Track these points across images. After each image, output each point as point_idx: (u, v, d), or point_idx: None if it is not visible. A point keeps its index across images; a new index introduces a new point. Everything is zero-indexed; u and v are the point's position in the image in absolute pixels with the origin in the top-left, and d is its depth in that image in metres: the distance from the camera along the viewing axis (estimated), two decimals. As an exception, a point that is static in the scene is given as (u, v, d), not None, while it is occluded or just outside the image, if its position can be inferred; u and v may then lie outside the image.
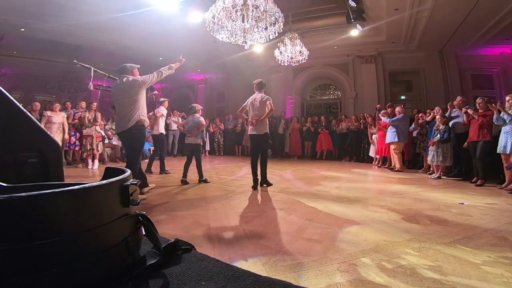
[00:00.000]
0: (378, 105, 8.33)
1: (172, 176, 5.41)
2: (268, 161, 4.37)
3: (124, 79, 3.36)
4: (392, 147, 6.43)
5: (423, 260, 1.72)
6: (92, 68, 3.58)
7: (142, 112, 3.38)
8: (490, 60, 9.35)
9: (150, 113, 4.89)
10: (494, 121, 4.38)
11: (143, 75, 3.44)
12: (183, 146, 9.89)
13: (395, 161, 6.37)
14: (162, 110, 5.77)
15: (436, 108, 5.88)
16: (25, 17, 7.04)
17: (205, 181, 4.61)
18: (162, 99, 6.14)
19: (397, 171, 6.20)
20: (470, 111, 4.84)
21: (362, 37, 8.69)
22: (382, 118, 6.66)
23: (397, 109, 6.55)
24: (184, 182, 4.49)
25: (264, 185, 4.24)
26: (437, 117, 5.56)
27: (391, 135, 6.39)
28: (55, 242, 1.01)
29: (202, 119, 4.82)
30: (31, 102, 6.66)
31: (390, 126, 6.41)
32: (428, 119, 6.07)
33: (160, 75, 3.43)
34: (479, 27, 7.52)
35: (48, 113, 6.21)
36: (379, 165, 7.03)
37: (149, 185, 3.93)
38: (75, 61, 3.75)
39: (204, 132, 4.95)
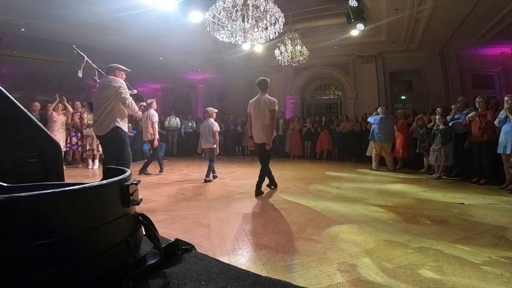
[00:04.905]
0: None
1: (172, 176, 5.41)
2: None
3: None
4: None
5: (423, 260, 1.72)
6: (86, 58, 3.42)
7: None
8: (491, 60, 9.33)
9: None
10: (496, 123, 4.38)
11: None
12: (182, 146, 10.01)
13: (386, 160, 6.63)
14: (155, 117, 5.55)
15: (438, 109, 5.87)
16: (25, 17, 7.04)
17: (208, 181, 4.80)
18: (149, 100, 5.69)
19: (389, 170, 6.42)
20: (471, 114, 4.84)
21: (363, 37, 8.67)
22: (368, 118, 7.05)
23: (378, 110, 6.84)
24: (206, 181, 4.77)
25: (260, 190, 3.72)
26: (437, 117, 5.56)
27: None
28: (55, 242, 1.01)
29: (215, 125, 4.91)
30: (31, 102, 6.68)
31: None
32: (429, 126, 6.09)
33: (132, 107, 3.23)
34: (479, 27, 7.50)
35: (55, 114, 6.34)
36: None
37: None
38: (73, 46, 3.51)
39: (217, 135, 4.97)
